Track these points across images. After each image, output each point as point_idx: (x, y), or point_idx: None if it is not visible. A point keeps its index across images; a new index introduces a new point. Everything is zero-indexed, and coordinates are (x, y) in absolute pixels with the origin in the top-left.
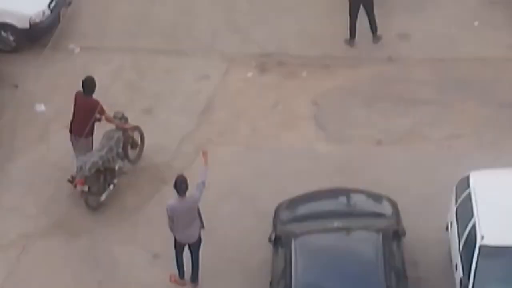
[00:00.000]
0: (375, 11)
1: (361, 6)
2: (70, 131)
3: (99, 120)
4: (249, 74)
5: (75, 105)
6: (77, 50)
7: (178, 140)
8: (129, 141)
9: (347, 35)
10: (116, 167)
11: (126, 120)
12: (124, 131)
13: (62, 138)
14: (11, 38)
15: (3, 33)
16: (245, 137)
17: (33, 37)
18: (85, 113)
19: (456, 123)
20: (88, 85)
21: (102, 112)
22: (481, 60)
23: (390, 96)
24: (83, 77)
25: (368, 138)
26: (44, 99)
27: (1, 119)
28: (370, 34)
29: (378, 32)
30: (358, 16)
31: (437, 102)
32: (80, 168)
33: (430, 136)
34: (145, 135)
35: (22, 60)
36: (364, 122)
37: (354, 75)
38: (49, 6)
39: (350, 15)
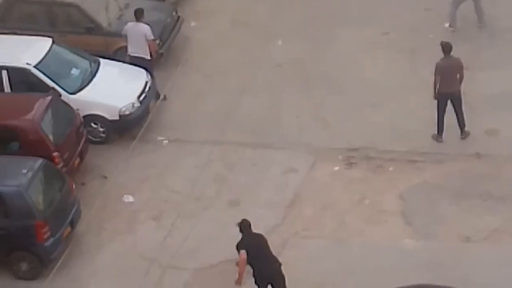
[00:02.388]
0: (463, 108)
1: (449, 102)
2: None
3: None
4: (336, 168)
5: None
6: (166, 142)
7: (264, 233)
8: None
9: (435, 130)
10: None
11: None
12: None
13: (149, 229)
14: (101, 129)
15: (93, 125)
16: (332, 231)
17: (123, 129)
18: None
19: None
20: None
21: None
22: None
23: (478, 193)
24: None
25: (456, 235)
26: (132, 191)
27: (91, 210)
28: (458, 130)
29: (466, 128)
30: (446, 112)
31: None
32: None
33: None
34: (231, 226)
35: (111, 152)
36: (452, 218)
37: (442, 171)
38: (138, 98)
39: (437, 111)
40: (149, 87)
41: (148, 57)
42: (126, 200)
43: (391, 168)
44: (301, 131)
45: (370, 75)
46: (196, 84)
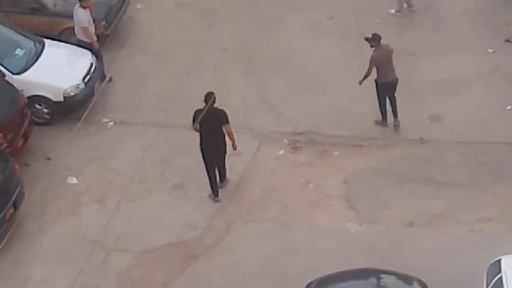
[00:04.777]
0: (408, 95)
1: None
2: None
3: None
4: (281, 152)
5: None
6: (111, 124)
7: (208, 216)
8: None
9: (379, 115)
10: None
11: None
12: None
13: (93, 211)
14: (45, 110)
15: (37, 106)
16: (276, 215)
17: (67, 110)
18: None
19: (487, 206)
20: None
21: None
22: None
23: (421, 178)
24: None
25: (399, 219)
26: (76, 172)
27: (34, 192)
28: (404, 116)
29: (407, 115)
30: (387, 98)
31: (468, 185)
32: None
33: (462, 219)
34: (175, 210)
35: (55, 133)
36: (395, 203)
37: (386, 156)
38: (83, 79)
39: (379, 100)
40: (95, 69)
41: (89, 40)
42: (70, 182)
43: (336, 153)
44: (246, 115)
45: (315, 59)
46: (141, 66)
